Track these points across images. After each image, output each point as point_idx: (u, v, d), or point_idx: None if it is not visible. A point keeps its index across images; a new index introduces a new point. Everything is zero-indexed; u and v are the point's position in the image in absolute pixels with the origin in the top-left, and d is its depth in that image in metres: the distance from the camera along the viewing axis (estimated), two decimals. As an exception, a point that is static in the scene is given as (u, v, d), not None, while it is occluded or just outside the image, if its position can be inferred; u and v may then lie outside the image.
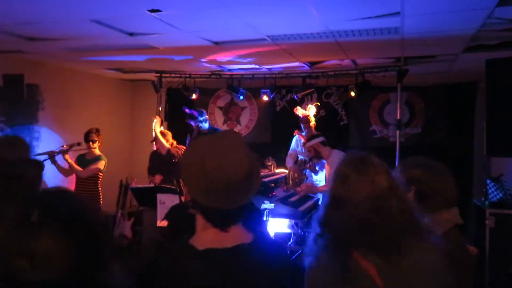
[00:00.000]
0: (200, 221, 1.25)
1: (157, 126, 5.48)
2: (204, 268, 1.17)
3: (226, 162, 1.18)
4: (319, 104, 6.39)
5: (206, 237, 1.24)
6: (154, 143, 5.49)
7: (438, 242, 1.44)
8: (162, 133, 5.38)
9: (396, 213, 1.37)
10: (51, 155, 4.89)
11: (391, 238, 1.35)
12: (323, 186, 4.91)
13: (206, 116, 5.69)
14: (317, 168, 5.53)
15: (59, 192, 1.00)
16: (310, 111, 5.75)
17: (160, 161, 5.22)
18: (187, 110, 5.65)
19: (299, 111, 5.74)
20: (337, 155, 4.70)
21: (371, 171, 1.41)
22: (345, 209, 1.38)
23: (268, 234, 1.39)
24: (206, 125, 5.60)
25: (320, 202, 5.07)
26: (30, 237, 0.87)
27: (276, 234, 4.26)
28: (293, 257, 4.17)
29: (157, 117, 5.98)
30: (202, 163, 1.18)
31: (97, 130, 5.17)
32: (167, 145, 5.20)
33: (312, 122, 5.69)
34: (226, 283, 1.17)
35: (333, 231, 1.39)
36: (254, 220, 1.46)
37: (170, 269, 1.19)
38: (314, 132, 5.48)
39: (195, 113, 5.53)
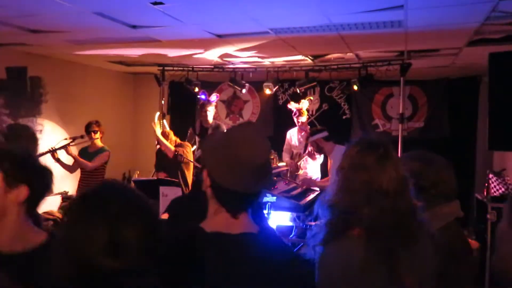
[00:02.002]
0: (212, 206, 1.31)
1: (158, 129, 5.01)
2: (210, 250, 1.23)
3: (251, 146, 1.27)
4: (311, 98, 6.41)
5: (215, 221, 1.30)
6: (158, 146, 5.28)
7: (431, 233, 1.50)
8: (163, 134, 5.04)
9: (410, 201, 1.44)
10: (53, 153, 4.66)
11: (409, 224, 1.40)
12: (324, 180, 4.91)
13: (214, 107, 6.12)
14: (306, 161, 5.58)
15: (125, 185, 1.12)
16: (303, 105, 5.78)
17: (166, 161, 5.01)
18: (202, 97, 6.33)
19: (292, 105, 5.80)
20: (340, 150, 4.70)
21: (393, 159, 1.47)
22: (370, 195, 1.41)
23: (272, 228, 1.43)
24: (211, 115, 5.89)
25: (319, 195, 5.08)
26: (112, 228, 0.93)
27: (278, 227, 4.27)
28: (295, 249, 4.19)
29: (157, 115, 5.68)
30: (230, 146, 1.27)
31: (97, 122, 5.12)
32: (172, 147, 4.90)
33: (305, 115, 5.75)
34: (227, 267, 1.22)
35: (357, 217, 1.41)
36: (259, 215, 1.52)
37: (180, 246, 1.26)
38: (308, 126, 5.54)
39: (212, 101, 6.14)
